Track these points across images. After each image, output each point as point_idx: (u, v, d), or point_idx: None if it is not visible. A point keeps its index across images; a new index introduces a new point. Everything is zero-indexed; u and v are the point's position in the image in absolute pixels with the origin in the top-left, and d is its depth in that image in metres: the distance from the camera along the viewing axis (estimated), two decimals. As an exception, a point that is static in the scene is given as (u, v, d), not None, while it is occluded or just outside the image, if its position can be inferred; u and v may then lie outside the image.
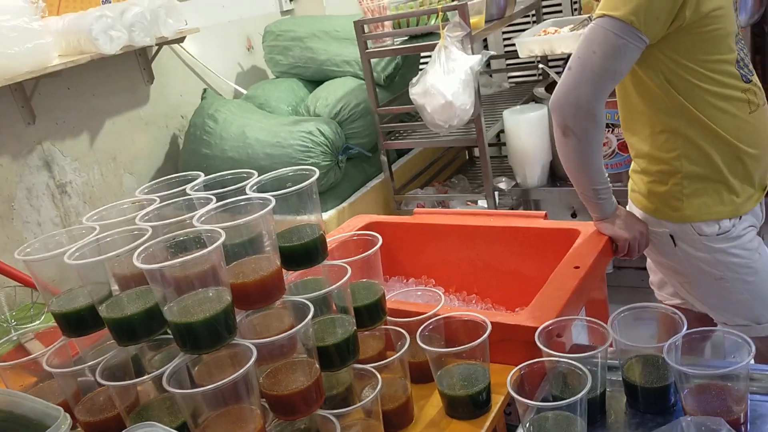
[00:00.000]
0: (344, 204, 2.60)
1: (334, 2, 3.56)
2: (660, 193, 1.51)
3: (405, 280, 1.73)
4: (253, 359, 0.85)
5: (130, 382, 0.91)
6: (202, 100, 2.88)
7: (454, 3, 2.39)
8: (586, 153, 1.42)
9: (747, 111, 1.44)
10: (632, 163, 1.61)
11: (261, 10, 3.42)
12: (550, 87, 2.75)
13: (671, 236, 1.51)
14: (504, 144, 2.97)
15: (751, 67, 1.48)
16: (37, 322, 2.01)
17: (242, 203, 1.01)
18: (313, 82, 3.03)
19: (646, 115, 1.49)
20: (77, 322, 0.97)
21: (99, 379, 0.89)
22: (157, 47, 2.77)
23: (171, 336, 0.94)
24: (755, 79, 1.48)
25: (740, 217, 1.47)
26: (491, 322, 1.10)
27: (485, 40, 3.46)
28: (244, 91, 3.14)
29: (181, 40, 2.71)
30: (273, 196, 0.99)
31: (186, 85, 3.03)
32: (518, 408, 0.99)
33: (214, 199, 1.03)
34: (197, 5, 3.02)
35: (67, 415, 0.77)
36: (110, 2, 2.61)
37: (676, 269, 1.56)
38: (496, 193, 2.56)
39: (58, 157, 2.51)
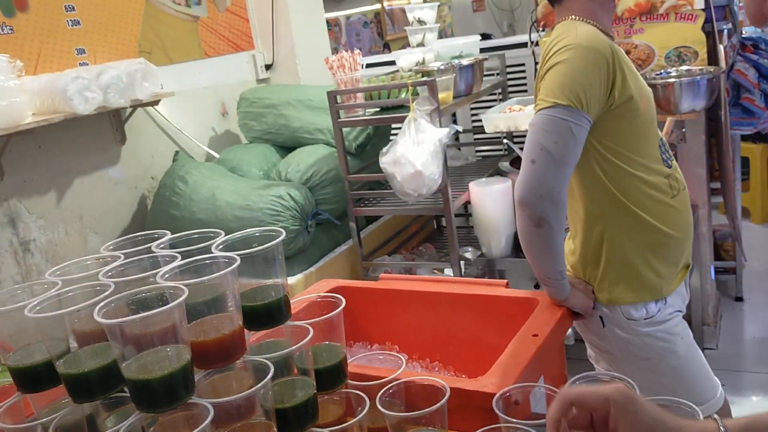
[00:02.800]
0: (312, 269, 2.61)
1: (308, 73, 3.67)
2: (588, 276, 1.56)
3: (369, 346, 1.74)
4: (209, 418, 0.84)
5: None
6: (173, 161, 2.91)
7: (424, 79, 2.48)
8: (557, 237, 1.45)
9: (670, 195, 1.51)
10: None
11: (237, 77, 3.50)
12: (515, 161, 2.84)
13: (600, 317, 1.56)
14: (470, 215, 3.03)
15: (671, 152, 1.57)
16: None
17: (207, 262, 1.02)
18: (285, 148, 3.09)
19: (573, 199, 1.55)
20: (33, 378, 0.96)
21: (51, 436, 0.87)
22: (131, 109, 2.81)
23: (127, 395, 0.93)
24: (675, 164, 1.57)
25: (665, 300, 1.52)
26: (450, 388, 1.11)
27: (454, 114, 3.57)
28: (217, 155, 3.18)
29: (155, 102, 2.76)
30: (238, 255, 1.00)
31: (158, 147, 3.06)
32: (475, 475, 0.98)
33: (179, 257, 1.04)
34: (174, 70, 3.08)
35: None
36: (87, 64, 2.66)
37: (604, 348, 1.61)
38: (462, 262, 2.60)
39: (24, 214, 2.49)
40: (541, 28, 2.91)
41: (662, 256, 1.51)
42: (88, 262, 1.10)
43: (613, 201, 1.48)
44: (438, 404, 1.07)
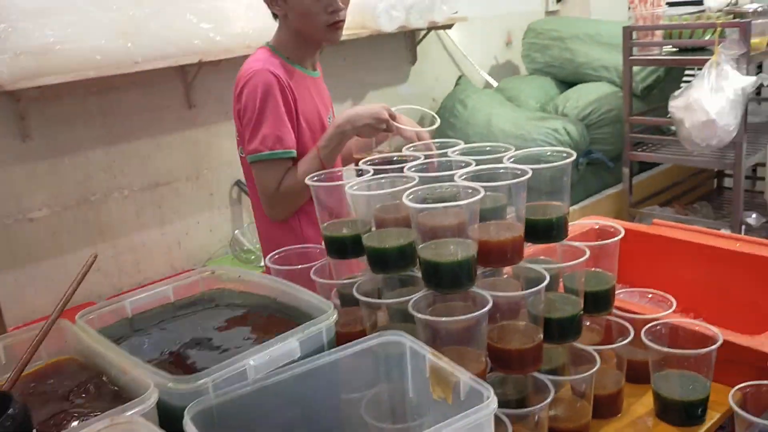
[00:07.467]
0: (575, 207, 2.59)
1: (600, 7, 3.52)
2: None
3: (629, 290, 1.71)
4: (488, 306, 0.93)
5: (375, 300, 1.05)
6: (456, 85, 3.04)
7: (736, 20, 2.26)
8: None
9: None
10: None
11: (526, 7, 3.49)
12: (832, 123, 2.48)
13: None
14: (762, 178, 2.74)
15: None
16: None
17: (500, 171, 1.09)
18: (566, 83, 3.04)
19: None
20: (342, 246, 1.13)
21: (356, 294, 1.04)
22: (425, 31, 2.97)
23: (416, 275, 1.06)
24: None
25: None
26: (723, 340, 1.07)
27: (760, 64, 3.19)
28: (495, 84, 3.24)
29: (449, 26, 2.88)
30: (530, 168, 1.05)
31: (442, 71, 3.21)
32: (737, 426, 0.96)
33: (474, 163, 1.13)
34: (467, -4, 3.17)
35: (336, 310, 0.92)
36: (393, -15, 2.85)
37: None
38: (744, 227, 2.39)
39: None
40: None
41: None
42: (394, 158, 1.24)
43: None
44: (707, 349, 1.04)
